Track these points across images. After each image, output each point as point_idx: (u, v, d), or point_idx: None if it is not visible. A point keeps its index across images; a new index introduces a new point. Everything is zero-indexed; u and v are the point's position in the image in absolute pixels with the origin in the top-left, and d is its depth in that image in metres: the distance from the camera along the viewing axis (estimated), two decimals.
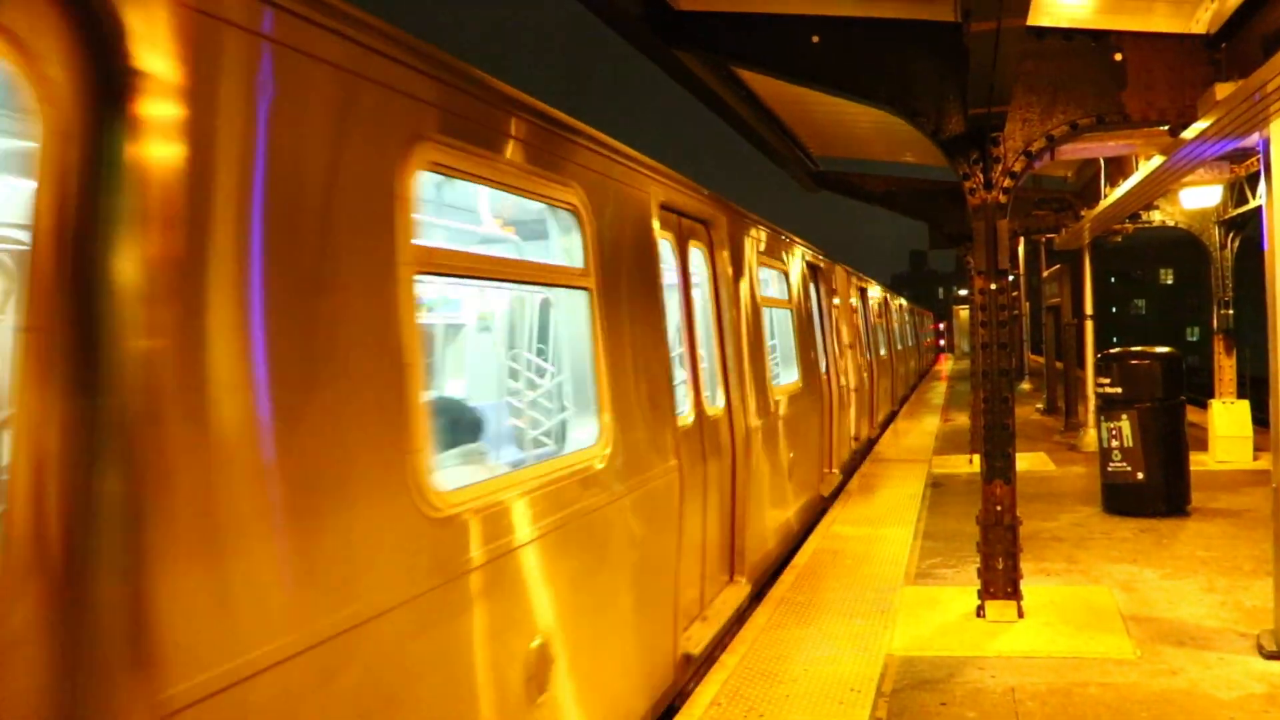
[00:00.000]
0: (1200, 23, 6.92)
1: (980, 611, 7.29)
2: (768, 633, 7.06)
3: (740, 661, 6.47)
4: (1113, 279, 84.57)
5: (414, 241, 3.38)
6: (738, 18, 7.56)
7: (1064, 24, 7.29)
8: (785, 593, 8.07)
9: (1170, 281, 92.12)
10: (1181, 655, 6.36)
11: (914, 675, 6.22)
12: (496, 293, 6.81)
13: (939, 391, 32.45)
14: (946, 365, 52.67)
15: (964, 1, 5.83)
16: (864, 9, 7.36)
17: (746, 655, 6.59)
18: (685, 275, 6.88)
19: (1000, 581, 7.31)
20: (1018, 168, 7.29)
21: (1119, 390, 10.72)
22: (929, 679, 6.15)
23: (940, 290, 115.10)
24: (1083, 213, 15.60)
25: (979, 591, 7.37)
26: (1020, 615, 7.22)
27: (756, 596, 7.98)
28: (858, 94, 7.65)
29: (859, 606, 7.66)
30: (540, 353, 6.87)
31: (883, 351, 20.58)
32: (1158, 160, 9.48)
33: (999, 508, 7.32)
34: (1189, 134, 7.20)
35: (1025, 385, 29.40)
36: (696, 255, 7.24)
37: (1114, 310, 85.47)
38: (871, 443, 17.52)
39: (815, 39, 7.30)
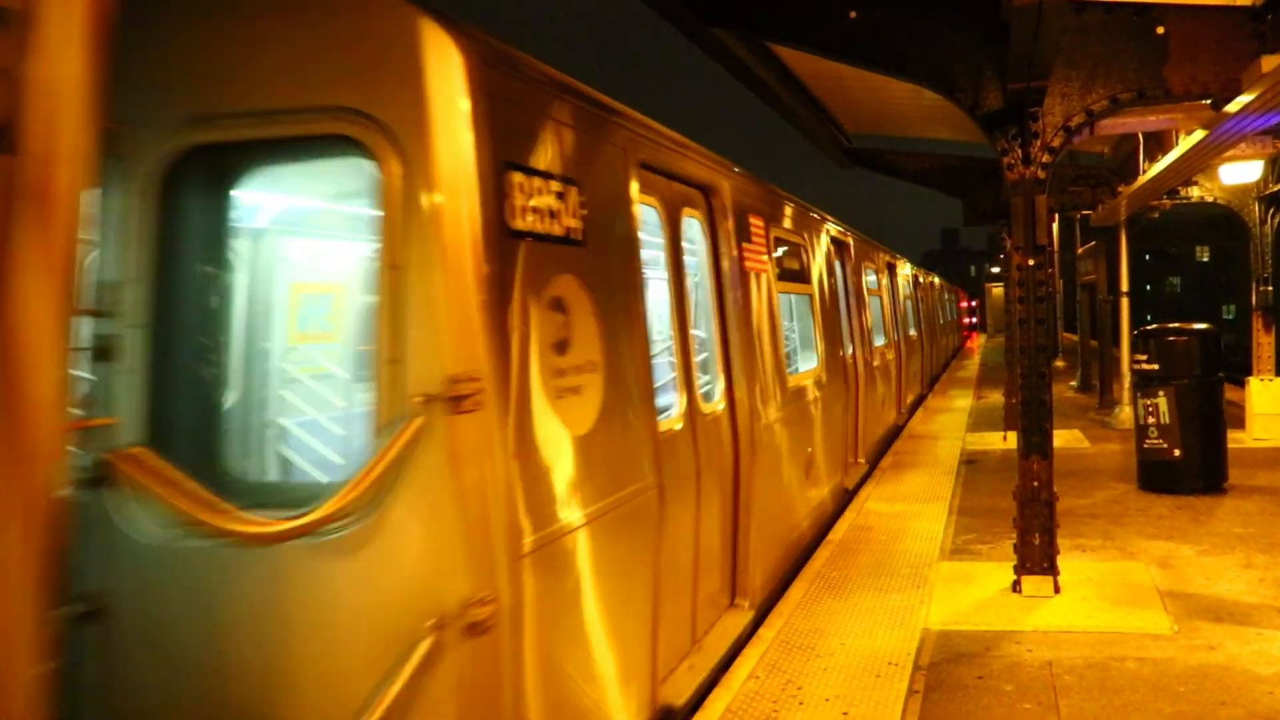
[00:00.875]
0: None
1: (1016, 587, 7.32)
2: (804, 607, 7.12)
3: (777, 635, 6.53)
4: (1147, 256, 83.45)
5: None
6: None
7: None
8: (820, 568, 8.13)
9: (1206, 259, 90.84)
10: (1219, 631, 6.36)
11: (951, 649, 6.26)
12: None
13: (971, 369, 32.28)
14: (979, 344, 52.29)
15: None
16: None
17: (783, 629, 6.65)
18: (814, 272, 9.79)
19: (1036, 557, 7.32)
20: (1057, 143, 7.25)
21: (1156, 367, 10.66)
22: (966, 653, 6.19)
23: (972, 268, 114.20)
24: (1120, 189, 15.43)
25: (1015, 567, 7.39)
26: (1056, 590, 7.23)
27: (792, 574, 8.04)
28: (895, 69, 7.62)
29: (894, 582, 7.70)
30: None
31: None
32: (1199, 135, 9.38)
33: (1036, 483, 7.33)
34: (1233, 108, 7.13)
35: (1059, 363, 29.19)
36: (829, 259, 10.44)
37: (1148, 288, 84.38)
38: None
39: (852, 14, 7.27)
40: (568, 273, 4.02)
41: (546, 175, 3.94)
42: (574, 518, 3.88)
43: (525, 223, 3.73)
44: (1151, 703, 5.34)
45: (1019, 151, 7.24)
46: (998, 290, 52.99)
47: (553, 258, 3.92)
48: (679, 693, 5.09)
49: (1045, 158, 7.25)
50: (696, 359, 5.84)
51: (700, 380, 5.99)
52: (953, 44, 7.27)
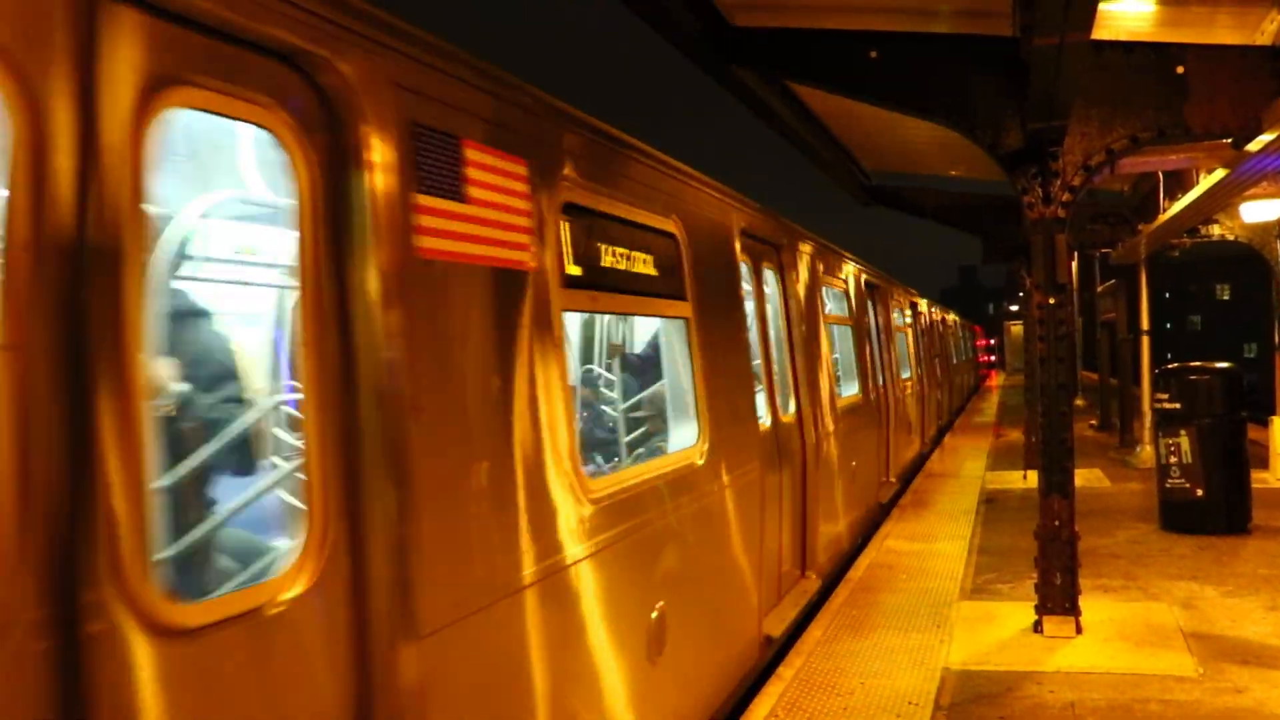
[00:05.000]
0: (1265, 34, 6.86)
1: (1038, 627, 7.24)
2: (823, 646, 7.07)
3: (796, 674, 6.49)
4: (1167, 294, 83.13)
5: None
6: (795, 34, 7.60)
7: (1124, 37, 7.26)
8: (840, 606, 8.07)
9: (1226, 297, 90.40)
10: (1246, 674, 6.27)
11: (971, 689, 6.20)
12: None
13: (989, 408, 32.13)
14: (997, 382, 52.04)
15: (1024, 17, 5.85)
16: (921, 24, 7.38)
17: (802, 668, 6.61)
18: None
19: (1058, 597, 7.25)
20: (1077, 182, 7.26)
21: (1178, 406, 10.58)
22: (987, 693, 6.13)
23: (990, 306, 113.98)
24: (1140, 227, 15.42)
25: (1036, 607, 7.32)
26: (1079, 631, 7.16)
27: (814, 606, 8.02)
28: (915, 109, 7.67)
29: (914, 621, 7.64)
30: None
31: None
32: (1220, 174, 9.38)
33: (1057, 522, 7.27)
34: (1254, 146, 7.14)
35: (1079, 401, 29.04)
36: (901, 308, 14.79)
37: (1168, 326, 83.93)
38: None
39: (873, 54, 7.33)
40: None
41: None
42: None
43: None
44: None
45: (1039, 190, 7.26)
46: (1016, 328, 52.74)
47: None
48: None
49: (1066, 196, 7.26)
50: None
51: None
52: (973, 83, 7.30)
